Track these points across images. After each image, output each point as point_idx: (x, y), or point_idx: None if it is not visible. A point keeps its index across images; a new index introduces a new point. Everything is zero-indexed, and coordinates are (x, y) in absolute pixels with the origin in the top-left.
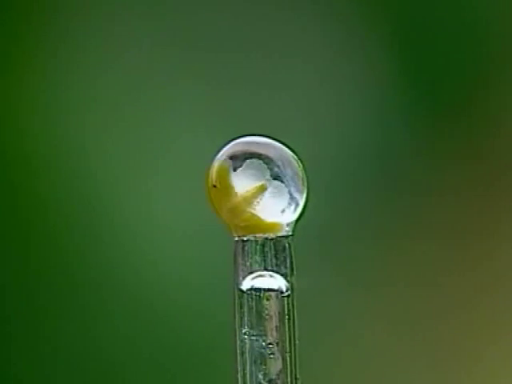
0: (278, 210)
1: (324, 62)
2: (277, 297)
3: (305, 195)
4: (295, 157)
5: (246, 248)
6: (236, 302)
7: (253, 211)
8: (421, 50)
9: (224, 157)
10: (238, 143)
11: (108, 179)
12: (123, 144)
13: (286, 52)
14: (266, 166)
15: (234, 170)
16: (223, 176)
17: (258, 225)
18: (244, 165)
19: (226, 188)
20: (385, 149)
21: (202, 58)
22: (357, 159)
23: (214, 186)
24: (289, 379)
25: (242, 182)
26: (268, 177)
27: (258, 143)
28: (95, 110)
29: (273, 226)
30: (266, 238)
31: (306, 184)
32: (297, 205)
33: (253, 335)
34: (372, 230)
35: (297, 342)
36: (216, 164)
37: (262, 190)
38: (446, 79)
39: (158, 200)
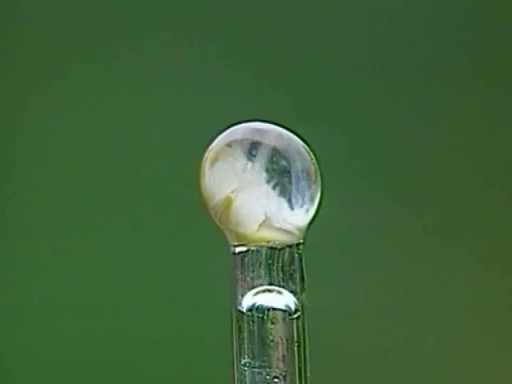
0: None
1: (334, 49)
2: (284, 319)
3: (318, 194)
4: (307, 148)
5: (247, 260)
6: (234, 326)
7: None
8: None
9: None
10: (238, 130)
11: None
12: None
13: (294, 39)
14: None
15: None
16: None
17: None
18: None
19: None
20: (400, 146)
21: (203, 44)
22: (371, 156)
23: None
24: None
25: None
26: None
27: (261, 130)
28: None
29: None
30: (272, 248)
31: (319, 181)
32: (309, 205)
33: (254, 367)
34: (391, 233)
35: (308, 374)
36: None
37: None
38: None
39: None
